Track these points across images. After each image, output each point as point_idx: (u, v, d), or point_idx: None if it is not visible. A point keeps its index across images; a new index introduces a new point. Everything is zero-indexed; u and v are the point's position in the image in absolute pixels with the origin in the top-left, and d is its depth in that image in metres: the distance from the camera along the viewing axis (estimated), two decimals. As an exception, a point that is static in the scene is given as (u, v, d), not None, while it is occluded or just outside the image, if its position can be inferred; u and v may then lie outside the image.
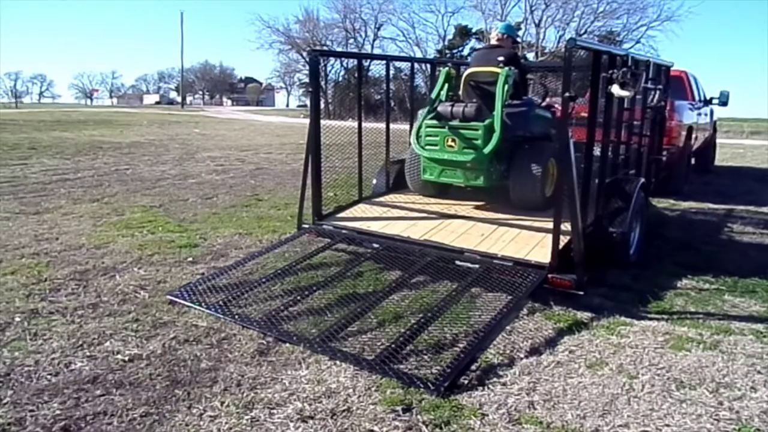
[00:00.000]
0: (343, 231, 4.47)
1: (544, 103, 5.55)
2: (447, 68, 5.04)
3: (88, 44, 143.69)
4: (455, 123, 4.55)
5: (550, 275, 3.58)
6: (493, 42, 5.10)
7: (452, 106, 4.60)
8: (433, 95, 4.92)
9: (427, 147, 4.69)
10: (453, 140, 4.54)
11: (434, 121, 4.68)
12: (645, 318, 3.56)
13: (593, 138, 3.93)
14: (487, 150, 4.35)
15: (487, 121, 4.42)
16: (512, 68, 4.58)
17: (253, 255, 4.31)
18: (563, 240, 3.67)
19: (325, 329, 3.14)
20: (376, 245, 4.23)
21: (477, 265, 3.78)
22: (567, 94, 3.45)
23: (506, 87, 4.48)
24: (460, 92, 4.99)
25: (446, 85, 4.91)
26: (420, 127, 4.76)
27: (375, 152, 5.68)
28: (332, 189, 5.31)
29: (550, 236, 3.70)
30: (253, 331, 3.17)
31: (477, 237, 4.15)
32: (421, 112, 4.87)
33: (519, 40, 5.49)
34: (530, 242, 4.01)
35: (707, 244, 5.44)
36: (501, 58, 4.74)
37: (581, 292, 3.67)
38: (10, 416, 2.34)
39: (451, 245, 4.02)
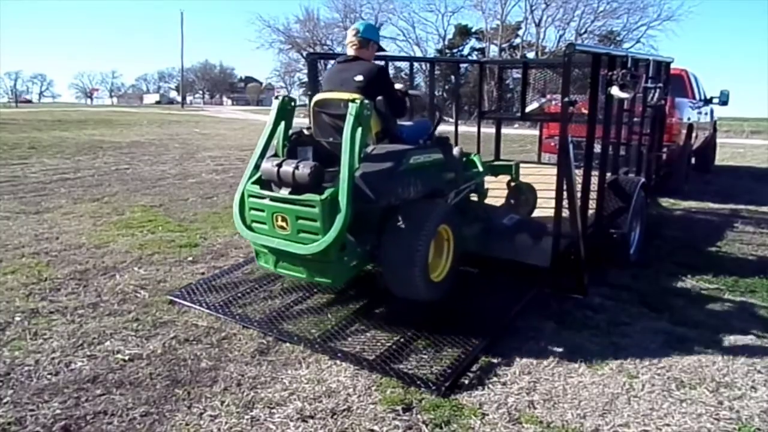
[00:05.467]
0: None
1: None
2: (281, 98, 3.39)
3: (88, 44, 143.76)
4: (283, 194, 3.06)
5: (550, 278, 3.58)
6: (351, 52, 3.49)
7: (279, 165, 3.05)
8: (261, 141, 3.34)
9: (254, 225, 3.24)
10: (284, 219, 3.05)
11: (257, 188, 3.20)
12: (645, 318, 3.55)
13: (593, 138, 3.93)
14: (329, 239, 2.88)
15: (328, 192, 2.91)
16: (367, 102, 3.04)
17: (253, 258, 4.30)
18: (563, 242, 3.68)
19: (326, 329, 3.15)
20: None
21: (476, 269, 3.79)
22: (566, 99, 3.46)
23: (359, 131, 2.98)
24: (312, 129, 3.56)
25: (283, 124, 3.35)
26: (242, 195, 3.27)
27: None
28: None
29: (550, 238, 3.70)
30: (253, 330, 3.17)
31: (477, 237, 4.14)
32: (250, 166, 3.32)
33: (385, 46, 3.86)
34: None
35: (707, 244, 5.43)
36: (359, 78, 3.28)
37: (582, 296, 3.68)
38: (10, 416, 2.34)
39: None
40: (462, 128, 6.63)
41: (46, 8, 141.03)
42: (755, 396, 2.66)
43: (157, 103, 68.67)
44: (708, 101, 9.84)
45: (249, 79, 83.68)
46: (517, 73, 8.01)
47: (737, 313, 3.71)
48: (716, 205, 7.48)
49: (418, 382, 2.63)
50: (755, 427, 2.42)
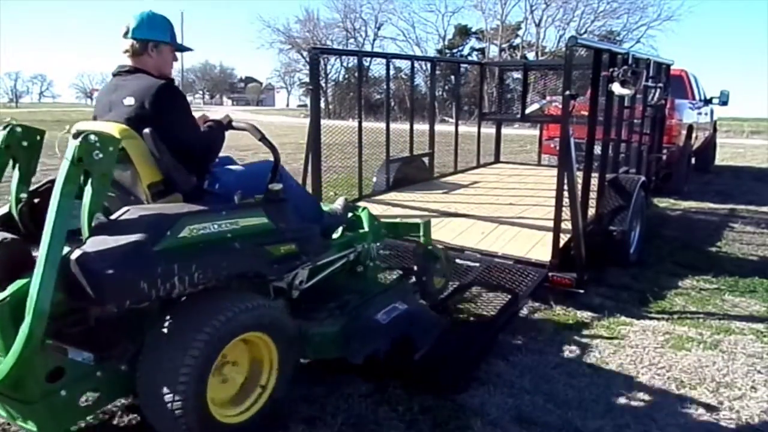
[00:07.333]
0: None
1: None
2: (8, 129, 2.32)
3: (88, 44, 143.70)
4: None
5: (550, 273, 3.58)
6: (128, 61, 2.39)
7: None
8: None
9: None
10: None
11: None
12: (645, 318, 3.55)
13: (594, 136, 3.93)
14: (6, 366, 1.73)
15: (12, 288, 1.82)
16: (95, 139, 1.94)
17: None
18: (563, 238, 3.68)
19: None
20: None
21: (477, 264, 3.78)
22: (568, 92, 3.46)
23: (89, 187, 1.96)
24: None
25: (17, 171, 2.34)
26: None
27: (375, 151, 5.67)
28: (332, 188, 5.31)
29: (550, 234, 3.70)
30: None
31: (477, 235, 4.15)
32: None
33: (190, 47, 2.89)
34: (531, 240, 4.01)
35: (707, 244, 5.43)
36: (129, 102, 2.25)
37: (581, 291, 3.68)
38: (9, 415, 2.33)
39: (451, 243, 4.01)
40: (462, 128, 6.63)
41: (46, 8, 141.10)
42: (755, 396, 2.66)
43: (158, 103, 68.47)
44: (708, 101, 9.85)
45: (249, 80, 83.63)
46: (517, 75, 8.01)
47: (737, 312, 3.71)
48: (716, 206, 7.49)
49: (419, 382, 2.62)
50: (755, 427, 2.42)
